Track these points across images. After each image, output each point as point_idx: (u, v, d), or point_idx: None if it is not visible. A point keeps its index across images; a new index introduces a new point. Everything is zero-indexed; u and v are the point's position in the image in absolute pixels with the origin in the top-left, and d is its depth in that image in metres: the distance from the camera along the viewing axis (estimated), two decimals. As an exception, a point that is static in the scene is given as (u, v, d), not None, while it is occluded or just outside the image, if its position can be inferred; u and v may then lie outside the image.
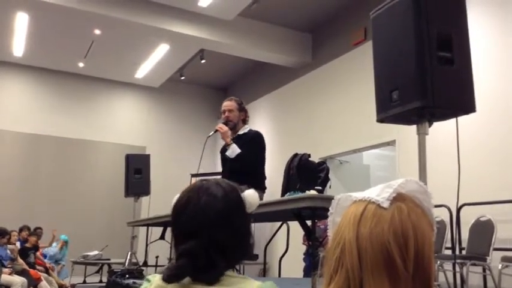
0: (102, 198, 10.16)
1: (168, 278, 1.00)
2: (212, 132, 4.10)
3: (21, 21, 8.08)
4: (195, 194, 1.07)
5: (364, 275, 0.71)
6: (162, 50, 8.94)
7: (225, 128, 3.90)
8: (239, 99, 4.05)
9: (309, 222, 3.04)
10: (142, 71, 10.19)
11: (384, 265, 0.71)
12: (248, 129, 3.99)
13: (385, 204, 0.75)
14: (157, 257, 6.43)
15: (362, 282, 0.71)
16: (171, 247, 5.59)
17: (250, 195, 1.11)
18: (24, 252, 7.45)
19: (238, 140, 3.92)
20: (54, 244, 8.85)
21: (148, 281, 1.10)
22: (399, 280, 0.70)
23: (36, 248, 7.93)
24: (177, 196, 1.12)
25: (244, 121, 4.01)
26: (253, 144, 3.87)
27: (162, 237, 5.62)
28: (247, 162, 3.80)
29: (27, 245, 7.77)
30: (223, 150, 3.99)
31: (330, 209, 0.83)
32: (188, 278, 1.01)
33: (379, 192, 0.77)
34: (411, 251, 0.71)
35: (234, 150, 3.81)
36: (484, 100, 4.44)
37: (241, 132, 3.95)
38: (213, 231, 1.02)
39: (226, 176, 3.86)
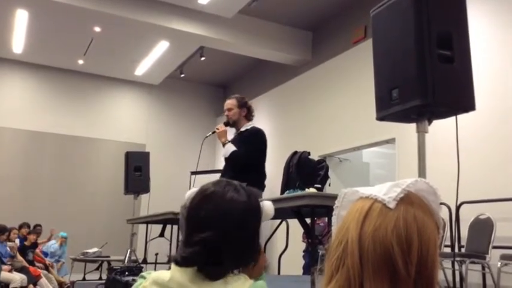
0: (101, 195, 10.17)
1: (181, 260, 1.03)
2: (210, 133, 4.12)
3: (21, 18, 8.07)
4: (221, 189, 1.11)
5: (365, 276, 0.70)
6: (161, 47, 8.93)
7: (223, 127, 3.92)
8: (240, 96, 4.03)
9: (308, 220, 3.05)
10: (142, 68, 10.17)
11: (385, 267, 0.69)
12: (251, 126, 3.95)
13: (391, 205, 0.73)
14: (156, 254, 6.43)
15: (363, 283, 0.70)
16: (170, 244, 5.60)
17: (268, 205, 1.17)
18: (23, 251, 7.45)
19: (239, 136, 3.92)
20: (53, 241, 8.85)
21: (143, 277, 1.10)
22: (400, 283, 0.69)
23: (35, 245, 7.93)
24: (192, 191, 1.15)
25: (247, 117, 3.96)
26: (250, 142, 3.83)
27: (162, 234, 5.64)
28: (241, 160, 3.78)
29: (26, 243, 7.76)
30: None
31: (335, 202, 0.81)
32: (190, 271, 1.03)
33: (387, 191, 0.75)
34: (414, 256, 0.70)
35: (227, 150, 3.81)
36: (483, 98, 4.45)
37: (243, 128, 3.93)
38: (231, 227, 1.06)
39: (225, 173, 3.86)
